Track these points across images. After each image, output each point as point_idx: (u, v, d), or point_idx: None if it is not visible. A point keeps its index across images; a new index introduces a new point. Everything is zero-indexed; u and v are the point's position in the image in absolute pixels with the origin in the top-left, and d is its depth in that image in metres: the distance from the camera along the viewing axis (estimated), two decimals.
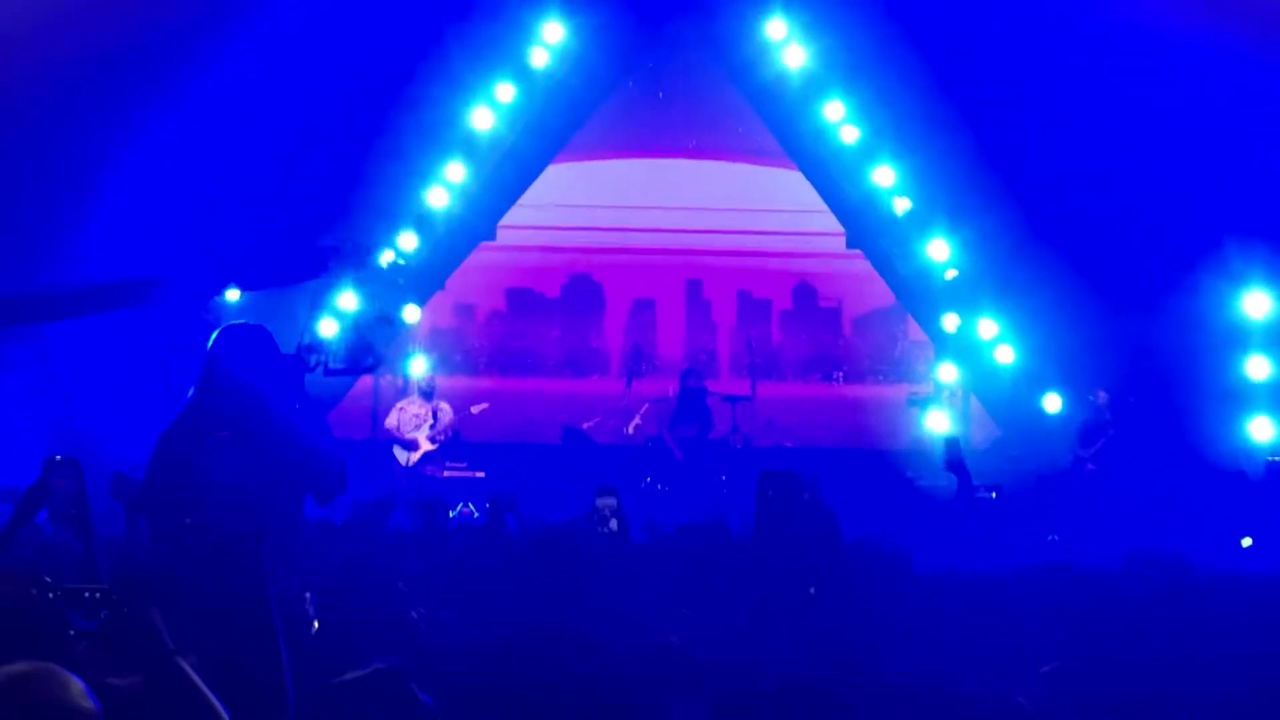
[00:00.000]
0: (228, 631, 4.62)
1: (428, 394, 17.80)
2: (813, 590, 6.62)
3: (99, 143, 16.43)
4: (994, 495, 16.21)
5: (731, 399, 18.17)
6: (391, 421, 17.61)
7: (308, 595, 5.62)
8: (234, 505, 5.59)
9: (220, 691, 3.62)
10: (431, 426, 17.44)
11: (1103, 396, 16.94)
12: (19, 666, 3.16)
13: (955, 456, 9.28)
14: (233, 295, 16.98)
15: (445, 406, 17.78)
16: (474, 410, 18.16)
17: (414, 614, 5.58)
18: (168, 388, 14.05)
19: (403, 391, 18.22)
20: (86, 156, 16.46)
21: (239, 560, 5.15)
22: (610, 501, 11.77)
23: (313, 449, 5.95)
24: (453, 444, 17.75)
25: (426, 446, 17.39)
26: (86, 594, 4.74)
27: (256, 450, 5.74)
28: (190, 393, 6.04)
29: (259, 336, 6.09)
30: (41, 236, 16.34)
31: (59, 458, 6.47)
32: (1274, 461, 15.48)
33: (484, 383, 22.74)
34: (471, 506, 16.49)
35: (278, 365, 6.07)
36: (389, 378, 18.99)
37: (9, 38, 15.86)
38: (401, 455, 17.41)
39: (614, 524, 11.35)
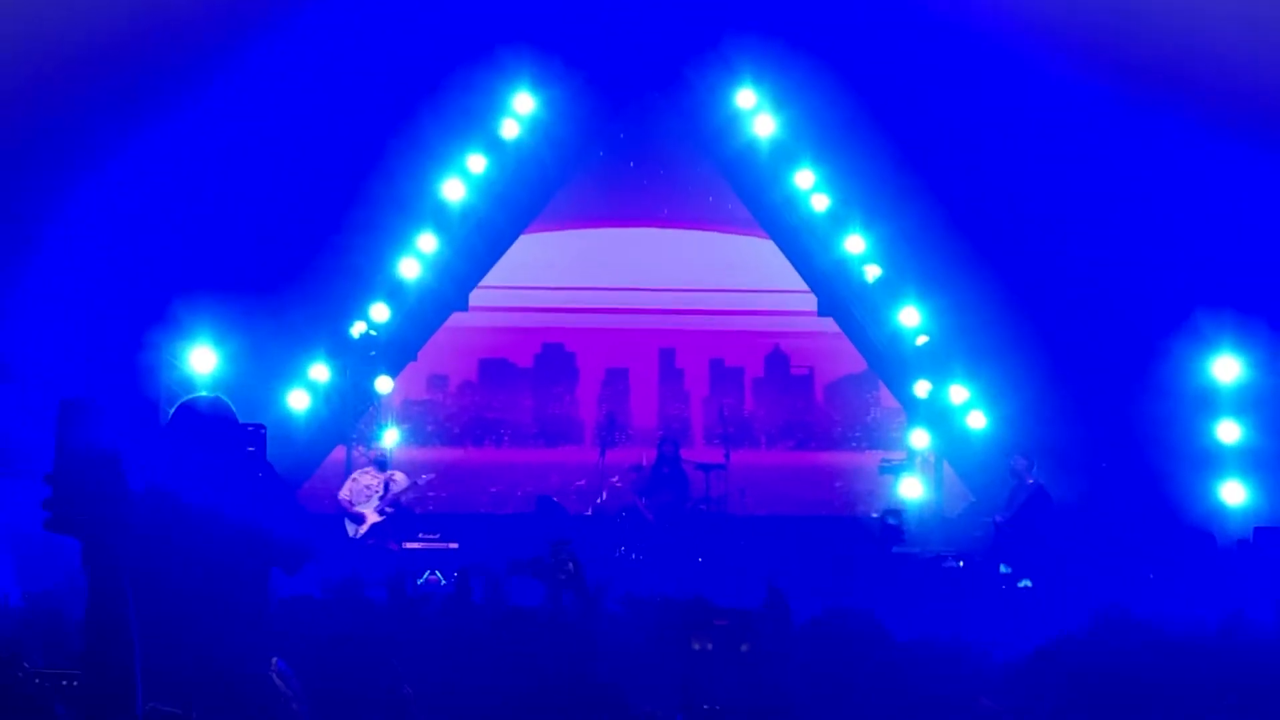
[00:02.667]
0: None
1: (381, 464, 17.69)
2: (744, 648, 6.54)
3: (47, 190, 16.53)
4: (961, 564, 16.25)
5: (705, 467, 18.17)
6: (344, 493, 17.51)
7: (274, 660, 5.60)
8: (201, 581, 5.57)
9: None
10: (380, 498, 17.32)
11: (1020, 461, 16.97)
12: None
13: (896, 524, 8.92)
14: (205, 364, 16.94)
15: (400, 477, 17.65)
16: (420, 481, 18.11)
17: (407, 689, 5.58)
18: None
19: (378, 464, 18.03)
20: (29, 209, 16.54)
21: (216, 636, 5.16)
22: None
23: (275, 520, 5.93)
24: (406, 516, 17.62)
25: (373, 519, 17.27)
26: (65, 681, 4.72)
27: (220, 525, 5.71)
28: (148, 468, 6.00)
29: (218, 410, 6.07)
30: None
31: None
32: (1259, 528, 15.51)
33: (457, 453, 22.69)
34: (439, 574, 16.40)
35: (238, 438, 6.04)
36: (361, 449, 18.91)
37: None
38: (350, 528, 17.29)
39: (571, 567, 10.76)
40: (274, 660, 5.67)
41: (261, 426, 6.06)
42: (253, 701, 5.35)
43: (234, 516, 5.71)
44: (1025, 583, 15.77)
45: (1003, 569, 16.03)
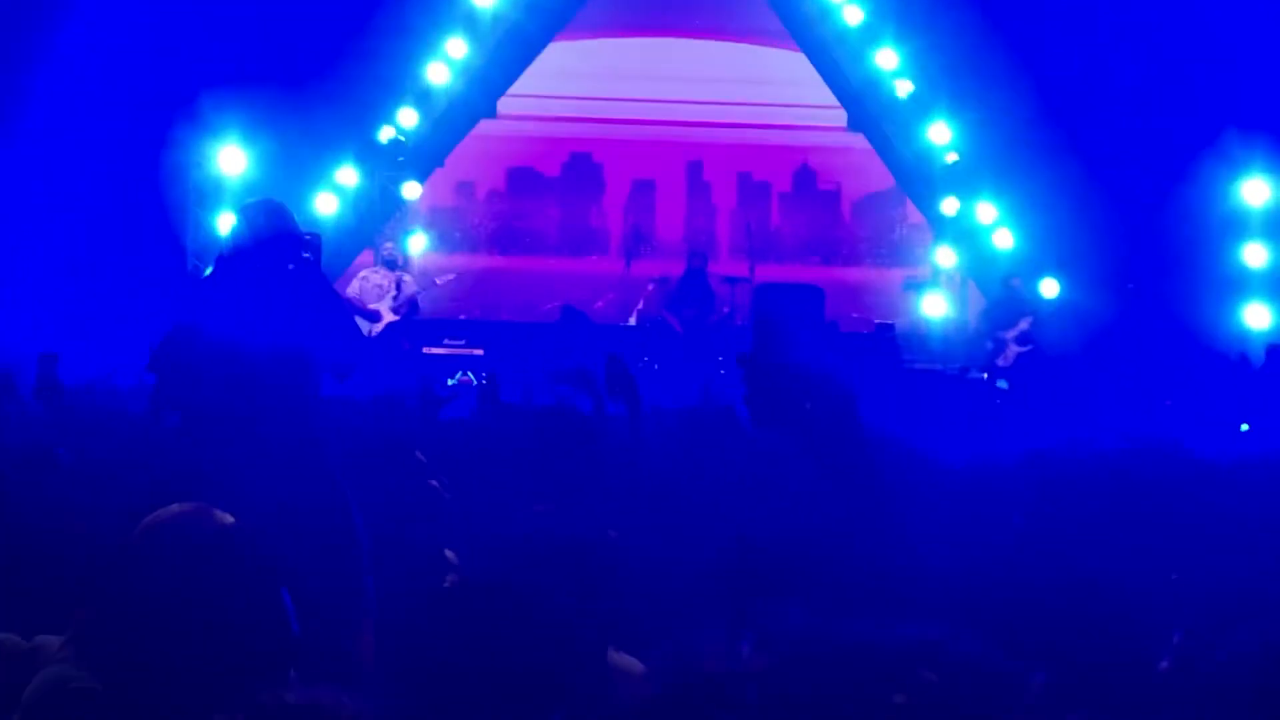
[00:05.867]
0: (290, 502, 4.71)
1: (390, 263, 17.32)
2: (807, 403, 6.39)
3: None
4: (985, 376, 16.44)
5: (731, 280, 18.18)
6: (353, 290, 16.94)
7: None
8: (257, 385, 5.66)
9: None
10: (394, 298, 16.94)
11: (1017, 282, 17.23)
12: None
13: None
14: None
15: (409, 279, 17.27)
16: (439, 281, 17.94)
17: (434, 482, 5.65)
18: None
19: (387, 263, 17.49)
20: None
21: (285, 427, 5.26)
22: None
23: (329, 329, 6.03)
24: (422, 317, 17.43)
25: (389, 318, 16.88)
26: None
27: (277, 331, 5.79)
28: (209, 271, 6.10)
29: (280, 211, 6.13)
30: None
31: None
32: (1275, 345, 15.58)
33: (483, 260, 22.75)
34: (470, 375, 16.47)
35: (299, 240, 6.12)
36: (389, 246, 18.65)
37: None
38: (364, 326, 16.82)
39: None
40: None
41: (317, 234, 6.12)
42: (327, 517, 5.42)
43: (290, 324, 5.80)
44: (1002, 383, 16.05)
45: (1001, 384, 16.24)
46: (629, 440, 6.26)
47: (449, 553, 4.77)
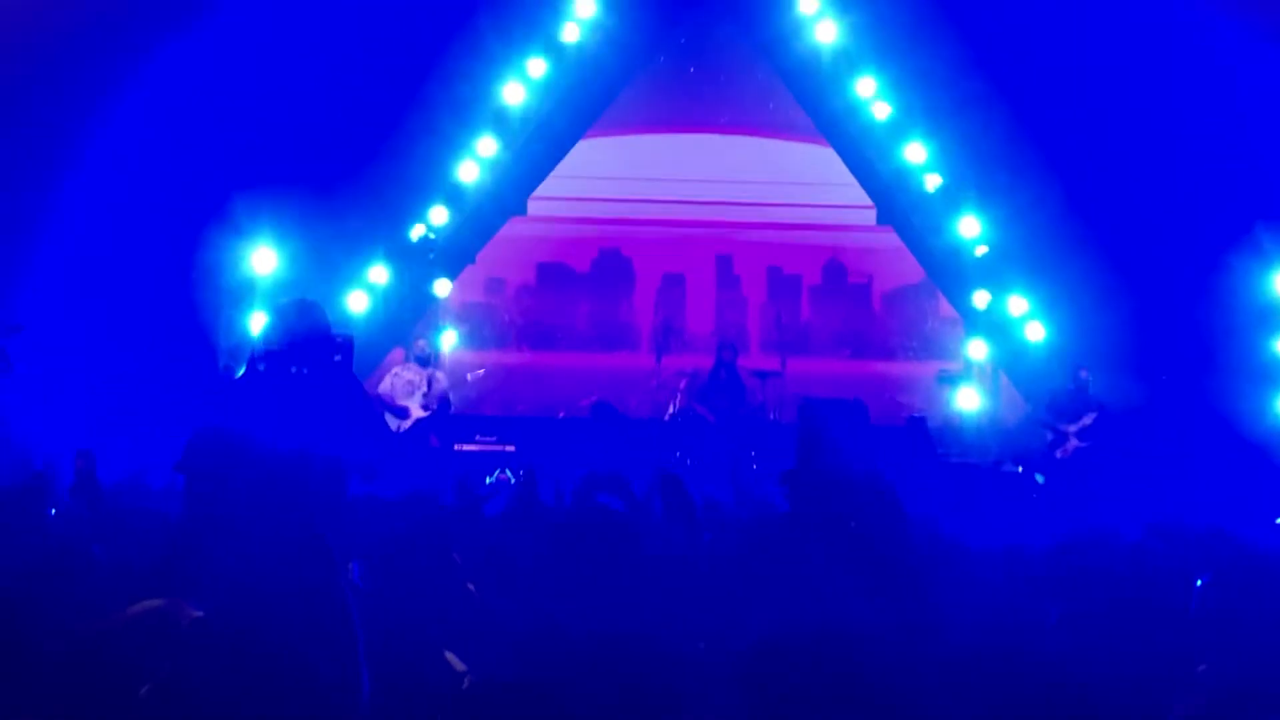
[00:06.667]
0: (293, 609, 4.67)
1: (423, 360, 17.46)
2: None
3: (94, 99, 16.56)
4: (1020, 469, 16.34)
5: (762, 374, 18.19)
6: (385, 387, 17.13)
7: (351, 565, 5.69)
8: (288, 475, 5.67)
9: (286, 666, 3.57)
10: (425, 395, 17.05)
11: (1085, 374, 17.11)
12: None
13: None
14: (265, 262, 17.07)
15: (440, 375, 17.40)
16: (470, 377, 17.98)
17: (470, 586, 5.63)
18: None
19: (420, 360, 17.59)
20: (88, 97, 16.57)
21: (296, 529, 5.24)
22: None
23: (357, 435, 6.05)
24: (452, 413, 17.49)
25: (418, 414, 17.00)
26: None
27: (308, 426, 5.82)
28: (241, 371, 6.12)
29: (314, 310, 6.17)
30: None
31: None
32: None
33: (514, 357, 22.79)
34: (509, 473, 16.45)
35: (330, 342, 6.14)
36: (422, 344, 18.64)
37: None
38: (392, 423, 16.96)
39: None
40: (350, 565, 5.76)
41: (349, 337, 6.15)
42: (323, 609, 5.39)
43: (317, 426, 5.81)
44: (1040, 478, 15.96)
45: (1038, 478, 16.15)
46: (686, 555, 6.23)
47: (450, 655, 4.73)
